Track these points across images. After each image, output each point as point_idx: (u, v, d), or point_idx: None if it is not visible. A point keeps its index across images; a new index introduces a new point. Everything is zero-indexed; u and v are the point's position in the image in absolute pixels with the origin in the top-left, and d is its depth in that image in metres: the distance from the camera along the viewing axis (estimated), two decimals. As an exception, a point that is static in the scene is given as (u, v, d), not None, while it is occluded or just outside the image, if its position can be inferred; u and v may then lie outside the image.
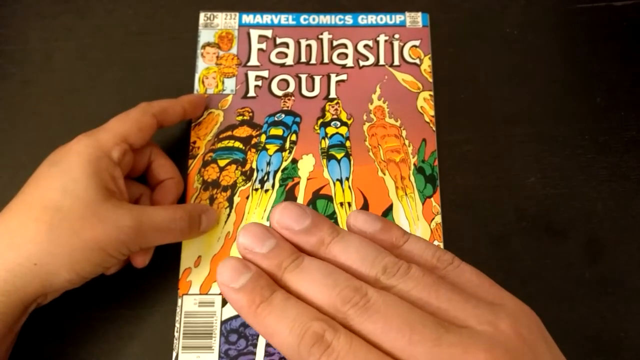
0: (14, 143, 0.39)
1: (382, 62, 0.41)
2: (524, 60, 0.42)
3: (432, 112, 0.40)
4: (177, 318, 0.35)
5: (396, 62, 0.41)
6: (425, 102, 0.40)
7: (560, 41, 0.41)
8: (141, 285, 0.35)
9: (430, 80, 0.41)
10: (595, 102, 0.41)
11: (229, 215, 0.37)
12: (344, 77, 0.41)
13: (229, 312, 0.35)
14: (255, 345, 0.35)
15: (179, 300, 0.35)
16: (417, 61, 0.41)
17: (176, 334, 0.35)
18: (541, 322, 0.22)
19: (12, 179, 0.37)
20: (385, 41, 0.42)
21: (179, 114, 0.37)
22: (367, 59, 0.41)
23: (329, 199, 0.38)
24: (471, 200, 0.38)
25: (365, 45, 0.42)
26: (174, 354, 0.34)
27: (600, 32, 0.42)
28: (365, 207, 0.38)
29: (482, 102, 0.40)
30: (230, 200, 0.38)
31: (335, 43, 0.42)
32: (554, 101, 0.41)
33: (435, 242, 0.37)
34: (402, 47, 0.41)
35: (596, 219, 0.38)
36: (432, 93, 0.40)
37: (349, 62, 0.41)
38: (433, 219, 0.37)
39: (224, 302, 0.35)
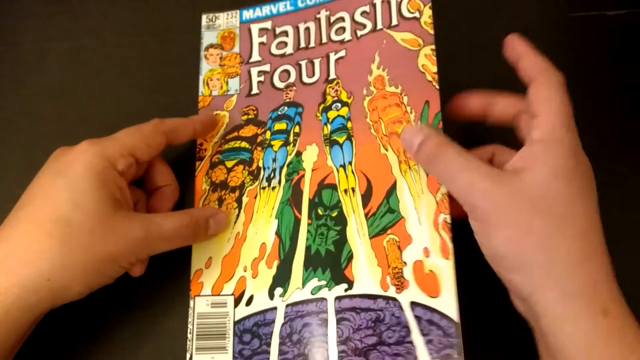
0: (7, 144, 0.40)
1: (379, 25, 0.37)
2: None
3: (434, 69, 0.35)
4: (190, 320, 0.36)
5: (394, 22, 0.37)
6: (426, 59, 0.35)
7: (554, 50, 0.35)
8: (153, 287, 0.37)
9: (431, 32, 0.36)
10: (588, 109, 0.35)
11: (238, 215, 0.37)
12: (342, 53, 0.38)
13: (241, 312, 0.35)
14: (269, 345, 0.34)
15: (191, 302, 0.36)
16: (417, 14, 0.37)
17: (189, 336, 0.35)
18: None
19: (4, 179, 0.38)
20: (382, 2, 0.38)
21: (189, 134, 0.37)
22: (365, 26, 0.38)
23: (334, 187, 0.36)
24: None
25: (363, 12, 0.38)
26: (188, 356, 0.35)
27: (593, 40, 0.42)
28: (368, 190, 0.35)
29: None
30: (239, 200, 0.38)
31: (332, 19, 0.39)
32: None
33: (442, 215, 0.32)
34: (400, 3, 0.37)
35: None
36: (433, 47, 0.35)
37: (347, 35, 0.38)
38: (438, 189, 0.33)
39: (237, 302, 0.35)
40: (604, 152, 0.35)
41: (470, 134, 0.37)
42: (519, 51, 0.32)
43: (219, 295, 0.36)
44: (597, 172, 0.33)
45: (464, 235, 0.31)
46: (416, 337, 0.31)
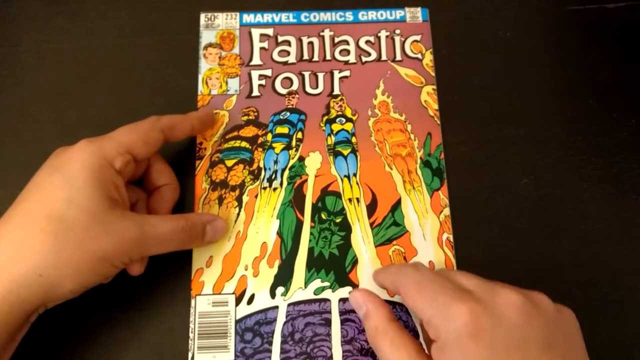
0: (6, 145, 0.39)
1: (384, 57, 0.41)
2: (516, 63, 0.42)
3: (435, 106, 0.40)
4: (192, 319, 0.35)
5: (398, 57, 0.41)
6: (428, 96, 0.40)
7: (553, 43, 0.41)
8: (154, 287, 0.35)
9: (433, 74, 0.41)
10: (587, 103, 0.41)
11: (238, 214, 0.37)
12: (347, 73, 0.41)
13: (243, 310, 0.35)
14: (270, 343, 0.35)
15: (193, 301, 0.35)
16: (419, 56, 0.41)
17: (191, 335, 0.35)
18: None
19: (4, 180, 0.37)
20: (387, 37, 0.42)
21: (187, 131, 0.36)
22: (369, 54, 0.41)
23: (338, 195, 0.38)
24: (464, 202, 0.38)
25: (367, 41, 0.42)
26: (190, 355, 0.34)
27: (592, 34, 0.42)
28: (373, 202, 0.38)
29: (475, 104, 0.41)
30: (239, 199, 0.38)
31: (336, 40, 0.42)
32: (546, 103, 0.41)
33: (445, 234, 0.37)
34: (404, 42, 0.42)
35: (589, 220, 0.38)
36: (435, 87, 0.41)
37: (352, 58, 0.41)
38: (442, 211, 0.38)
39: (238, 301, 0.35)
40: (602, 146, 0.40)
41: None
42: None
43: (220, 294, 0.36)
44: (595, 166, 0.37)
45: (465, 250, 0.36)
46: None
